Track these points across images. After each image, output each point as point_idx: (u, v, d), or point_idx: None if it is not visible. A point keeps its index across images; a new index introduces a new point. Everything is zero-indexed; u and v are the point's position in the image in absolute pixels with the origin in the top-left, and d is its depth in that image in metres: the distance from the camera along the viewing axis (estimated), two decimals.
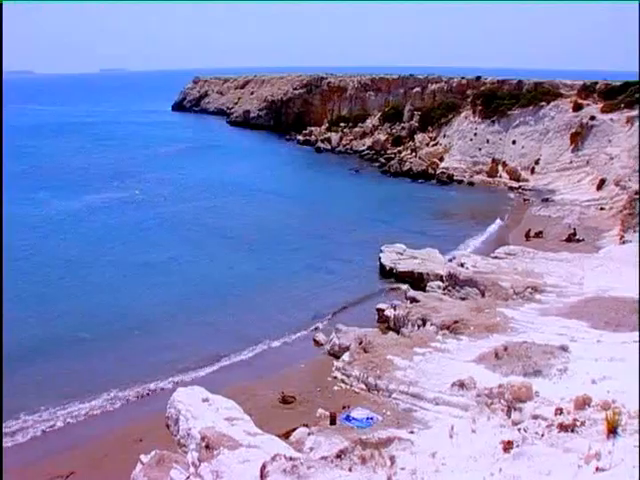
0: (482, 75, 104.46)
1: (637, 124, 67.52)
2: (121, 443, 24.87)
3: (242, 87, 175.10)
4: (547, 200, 70.37)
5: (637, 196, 54.44)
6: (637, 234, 47.97)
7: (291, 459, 17.51)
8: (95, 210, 70.05)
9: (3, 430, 25.66)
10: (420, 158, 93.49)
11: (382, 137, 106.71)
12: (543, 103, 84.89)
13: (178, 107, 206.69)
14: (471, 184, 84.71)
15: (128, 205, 72.46)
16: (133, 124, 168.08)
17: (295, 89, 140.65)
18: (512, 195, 77.02)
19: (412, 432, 20.89)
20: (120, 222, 64.75)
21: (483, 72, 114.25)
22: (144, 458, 21.41)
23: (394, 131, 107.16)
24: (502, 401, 20.85)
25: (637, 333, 25.19)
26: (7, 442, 25.83)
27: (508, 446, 15.90)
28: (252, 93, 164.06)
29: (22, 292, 41.71)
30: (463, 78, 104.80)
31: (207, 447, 21.04)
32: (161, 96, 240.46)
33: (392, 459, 17.83)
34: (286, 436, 22.95)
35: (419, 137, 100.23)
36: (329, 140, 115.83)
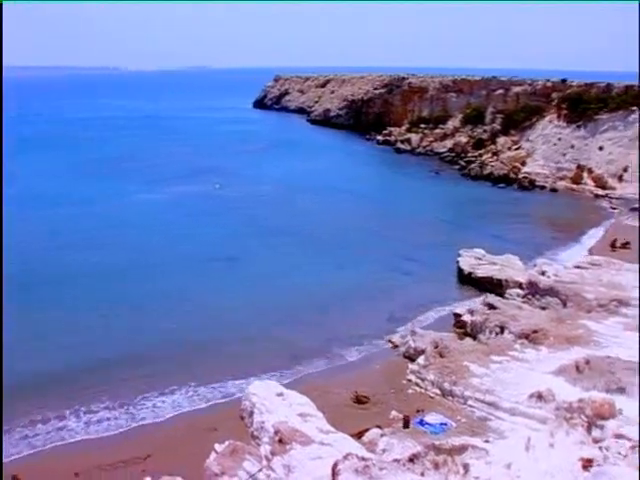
0: (567, 78, 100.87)
1: None
2: (196, 431, 25.65)
3: (323, 86, 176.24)
4: (636, 209, 67.32)
5: None
6: None
7: (363, 459, 17.53)
8: (175, 203, 72.56)
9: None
10: (501, 162, 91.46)
11: (463, 139, 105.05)
12: (634, 107, 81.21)
13: (259, 104, 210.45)
14: (554, 190, 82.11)
15: (207, 199, 74.46)
16: (215, 120, 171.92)
17: (375, 89, 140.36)
18: (598, 203, 74.15)
19: (487, 441, 20.50)
20: (198, 215, 66.77)
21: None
22: (218, 447, 21.88)
23: (475, 134, 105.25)
24: (582, 417, 20.12)
25: None
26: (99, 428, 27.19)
27: (588, 464, 15.37)
28: (332, 92, 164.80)
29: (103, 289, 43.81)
30: (548, 81, 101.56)
31: (280, 441, 21.32)
32: (243, 93, 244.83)
33: (466, 467, 17.56)
34: (358, 436, 22.98)
35: (501, 140, 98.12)
36: (409, 141, 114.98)
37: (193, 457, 22.27)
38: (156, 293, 43.40)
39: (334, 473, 17.32)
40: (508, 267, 45.50)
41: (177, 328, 37.28)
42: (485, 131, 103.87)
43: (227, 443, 21.80)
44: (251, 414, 24.23)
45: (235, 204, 71.69)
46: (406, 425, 24.47)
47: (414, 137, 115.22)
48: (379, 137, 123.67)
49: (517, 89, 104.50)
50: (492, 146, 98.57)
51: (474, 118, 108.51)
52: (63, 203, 69.26)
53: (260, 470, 20.41)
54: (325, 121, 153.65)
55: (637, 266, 42.83)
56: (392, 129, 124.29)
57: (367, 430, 23.75)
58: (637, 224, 60.87)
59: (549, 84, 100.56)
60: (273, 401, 24.36)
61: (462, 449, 18.67)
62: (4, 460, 24.83)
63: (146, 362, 33.06)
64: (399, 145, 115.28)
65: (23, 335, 35.27)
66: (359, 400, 28.20)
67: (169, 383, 30.88)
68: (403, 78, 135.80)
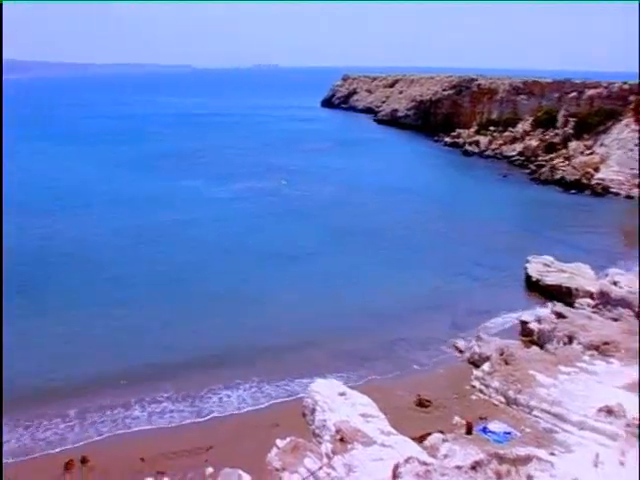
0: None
1: None
2: (259, 426, 26.09)
3: (391, 86, 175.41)
4: None
5: None
6: None
7: (424, 464, 17.41)
8: (242, 199, 73.82)
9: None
10: (573, 167, 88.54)
11: (533, 143, 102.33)
12: None
13: (327, 104, 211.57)
14: (629, 198, 78.91)
15: (273, 196, 75.36)
16: (282, 118, 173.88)
17: (444, 90, 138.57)
18: None
19: (552, 454, 19.97)
20: (263, 212, 67.59)
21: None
22: (280, 443, 22.16)
23: (546, 137, 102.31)
24: None
25: None
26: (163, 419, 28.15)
27: None
28: (401, 92, 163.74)
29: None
30: (625, 83, 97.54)
31: (341, 440, 21.41)
32: (310, 92, 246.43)
33: (529, 479, 17.24)
34: (420, 440, 22.84)
35: (573, 145, 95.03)
36: (477, 143, 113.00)
37: (254, 451, 22.66)
38: (224, 290, 44.28)
39: (395, 475, 17.27)
40: (578, 275, 44.14)
41: (243, 326, 37.87)
42: (557, 135, 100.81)
43: (288, 439, 22.06)
44: (313, 412, 24.44)
45: (300, 202, 72.37)
46: (469, 432, 24.14)
47: (483, 139, 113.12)
48: (447, 139, 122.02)
49: (591, 92, 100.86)
50: (564, 150, 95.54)
51: (545, 121, 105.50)
52: (128, 201, 71.45)
53: (321, 468, 20.55)
54: (392, 121, 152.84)
55: None
56: (460, 131, 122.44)
57: (429, 434, 23.56)
58: None
59: (626, 86, 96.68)
60: (335, 400, 24.49)
61: (526, 460, 18.28)
62: (78, 444, 26.11)
63: (213, 358, 33.84)
64: (467, 147, 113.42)
65: (105, 330, 37.08)
66: (422, 404, 28.01)
67: (234, 379, 31.52)
68: (472, 79, 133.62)
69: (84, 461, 24.15)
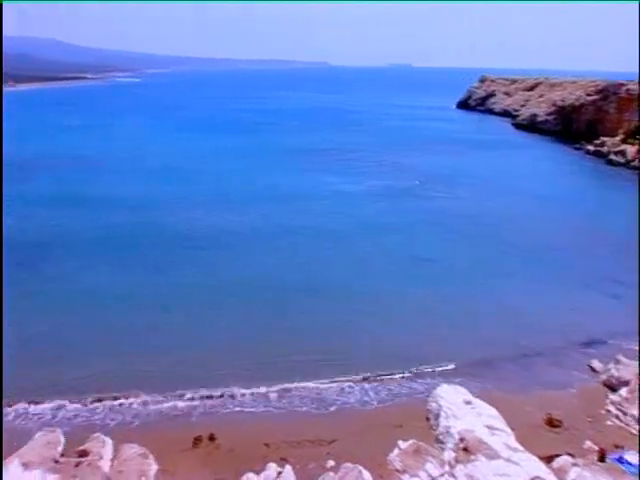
0: None
1: None
2: (382, 424, 26.07)
3: (530, 89, 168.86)
4: None
5: None
6: None
7: None
8: (374, 195, 73.99)
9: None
10: None
11: None
12: None
13: (463, 105, 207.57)
14: None
15: (406, 195, 74.94)
16: (416, 118, 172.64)
17: (588, 95, 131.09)
18: None
19: None
20: (396, 211, 67.48)
21: None
22: (402, 444, 21.95)
23: None
24: None
25: None
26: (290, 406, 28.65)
27: None
28: (541, 96, 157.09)
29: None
30: None
31: (465, 450, 20.85)
32: (445, 93, 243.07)
33: None
34: (547, 460, 21.74)
35: None
36: (623, 153, 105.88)
37: (376, 449, 22.60)
38: (359, 288, 44.78)
39: None
40: None
41: (375, 324, 38.22)
42: None
43: (411, 442, 21.79)
44: (437, 417, 23.97)
45: (436, 203, 71.54)
46: (602, 459, 22.66)
47: (630, 149, 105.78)
48: (589, 147, 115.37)
49: None
50: None
51: None
52: (269, 197, 73.74)
53: (442, 475, 20.15)
54: (531, 126, 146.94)
55: None
56: (605, 139, 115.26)
57: (557, 456, 22.40)
58: None
59: None
60: (461, 407, 23.86)
61: None
62: (206, 422, 27.35)
63: (337, 353, 34.33)
64: (612, 157, 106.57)
65: (236, 318, 38.81)
66: (551, 422, 26.72)
67: (358, 375, 31.84)
68: (621, 84, 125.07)
69: (212, 438, 25.28)
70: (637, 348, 35.31)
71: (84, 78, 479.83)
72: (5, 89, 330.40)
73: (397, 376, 31.61)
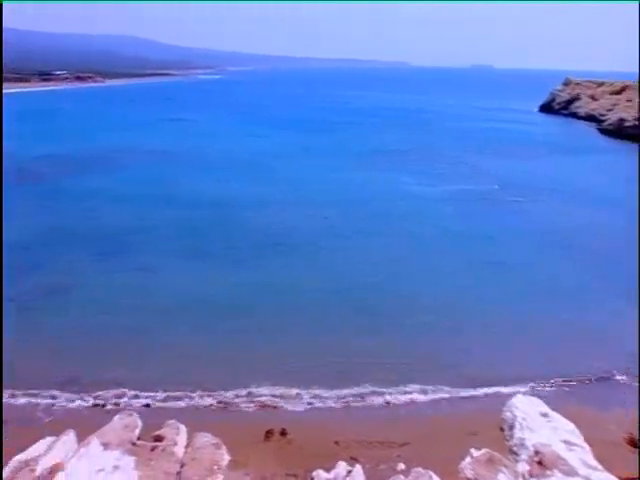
0: None
1: None
2: (456, 431, 25.78)
3: (618, 93, 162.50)
4: None
5: None
6: None
7: None
8: (452, 199, 73.35)
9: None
10: None
11: None
12: None
13: (546, 109, 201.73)
14: None
15: (483, 200, 73.67)
16: (497, 120, 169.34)
17: None
18: None
19: None
20: (473, 214, 66.46)
21: None
22: (474, 452, 21.55)
23: None
24: None
25: None
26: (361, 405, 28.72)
27: None
28: (629, 100, 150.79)
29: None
30: None
31: (539, 463, 20.22)
32: (527, 95, 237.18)
33: None
34: None
35: None
36: None
37: (447, 456, 22.21)
38: (431, 291, 44.52)
39: None
40: None
41: (447, 328, 37.98)
42: None
43: (484, 450, 21.37)
44: (511, 428, 23.40)
45: (513, 207, 70.21)
46: None
47: None
48: None
49: None
50: None
51: None
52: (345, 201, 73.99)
53: None
54: (618, 131, 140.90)
55: None
56: None
57: (638, 478, 21.55)
58: None
59: None
60: (536, 420, 23.21)
61: None
62: (280, 416, 27.79)
63: (415, 358, 34.17)
64: None
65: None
66: (632, 442, 25.68)
67: (430, 377, 31.69)
68: None
69: (283, 433, 25.70)
70: None
71: (167, 74, 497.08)
72: (90, 84, 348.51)
73: (470, 381, 31.26)
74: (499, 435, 23.75)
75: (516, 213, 68.12)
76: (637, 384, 32.02)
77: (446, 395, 30.17)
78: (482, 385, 31.03)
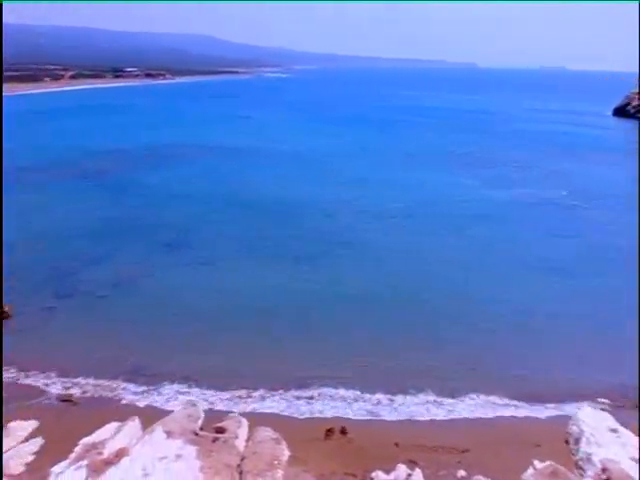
0: None
1: None
2: (518, 441, 25.33)
3: None
4: None
5: None
6: None
7: None
8: (518, 203, 71.67)
9: None
10: None
11: None
12: None
13: (620, 112, 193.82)
14: None
15: (551, 205, 71.72)
16: (567, 123, 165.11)
17: None
18: None
19: None
20: (540, 219, 64.89)
21: None
22: (537, 464, 21.12)
23: None
24: None
25: None
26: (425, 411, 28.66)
27: None
28: None
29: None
30: None
31: None
32: (600, 98, 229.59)
33: None
34: None
35: None
36: None
37: (509, 466, 21.89)
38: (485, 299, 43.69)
39: None
40: None
41: (515, 338, 37.33)
42: None
43: (548, 463, 20.89)
44: (577, 441, 22.79)
45: (584, 213, 68.14)
46: None
47: None
48: None
49: None
50: None
51: None
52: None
53: None
54: None
55: None
56: None
57: None
58: None
59: None
60: (604, 435, 22.53)
61: None
62: (341, 415, 27.72)
63: (474, 364, 33.76)
64: None
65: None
66: None
67: (490, 384, 31.12)
68: None
69: (343, 432, 25.75)
70: None
71: (235, 72, 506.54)
72: (160, 81, 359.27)
73: (532, 391, 30.56)
74: (564, 448, 23.17)
75: (582, 219, 65.83)
76: None
77: (510, 405, 29.46)
78: (547, 396, 30.18)
